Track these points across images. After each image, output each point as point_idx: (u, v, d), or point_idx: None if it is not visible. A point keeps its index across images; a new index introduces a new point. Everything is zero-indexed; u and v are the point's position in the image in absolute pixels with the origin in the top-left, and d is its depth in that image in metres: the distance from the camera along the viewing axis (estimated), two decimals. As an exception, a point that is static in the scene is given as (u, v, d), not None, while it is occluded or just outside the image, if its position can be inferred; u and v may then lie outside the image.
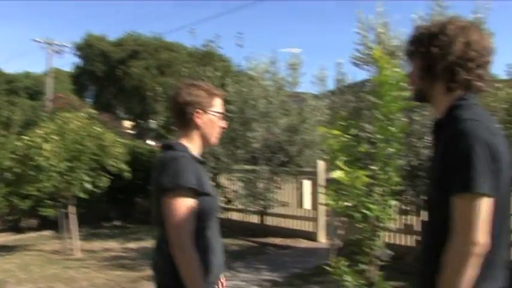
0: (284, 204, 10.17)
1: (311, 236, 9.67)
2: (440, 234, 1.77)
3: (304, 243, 9.42)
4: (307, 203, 9.19)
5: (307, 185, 9.13)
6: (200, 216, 2.23)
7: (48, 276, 7.17)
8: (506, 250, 1.82)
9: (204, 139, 2.41)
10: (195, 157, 2.35)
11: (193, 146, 2.39)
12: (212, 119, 2.40)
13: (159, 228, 2.26)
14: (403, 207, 7.35)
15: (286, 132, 9.55)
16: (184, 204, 2.16)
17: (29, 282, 6.87)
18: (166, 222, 2.17)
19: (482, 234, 1.61)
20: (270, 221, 10.45)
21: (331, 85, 7.56)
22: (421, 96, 1.99)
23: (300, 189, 9.34)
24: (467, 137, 1.66)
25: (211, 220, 2.33)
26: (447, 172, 1.70)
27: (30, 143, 7.86)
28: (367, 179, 3.47)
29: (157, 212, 2.24)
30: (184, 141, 2.38)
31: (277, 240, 9.59)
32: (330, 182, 3.82)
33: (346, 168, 3.44)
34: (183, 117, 2.38)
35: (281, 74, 9.94)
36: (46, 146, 7.75)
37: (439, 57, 1.82)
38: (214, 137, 2.44)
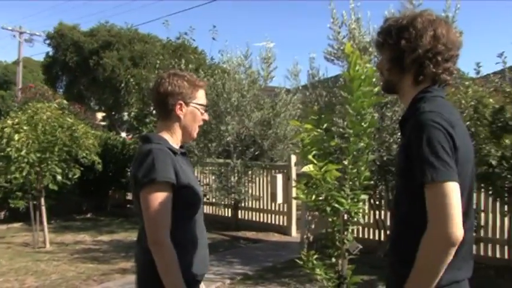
0: (256, 198, 10.22)
1: (283, 230, 9.74)
2: (407, 225, 1.80)
3: (276, 237, 9.48)
4: (280, 197, 9.23)
5: (279, 179, 9.17)
6: (181, 210, 2.18)
7: (17, 269, 7.08)
8: (470, 241, 1.84)
9: (185, 131, 2.35)
10: (174, 149, 2.26)
11: (173, 138, 2.32)
12: (194, 112, 2.33)
13: (140, 220, 2.20)
14: (375, 202, 7.46)
15: (259, 126, 9.56)
16: (160, 199, 2.09)
17: (-3, 275, 6.78)
18: (144, 217, 2.11)
19: (456, 225, 1.61)
20: (242, 214, 10.48)
21: (304, 79, 7.60)
22: (390, 88, 2.02)
23: (272, 183, 9.37)
24: (426, 127, 1.67)
25: (194, 213, 2.28)
26: (411, 164, 1.71)
27: (-1, 133, 7.73)
28: (337, 173, 3.49)
29: (136, 205, 2.20)
30: (164, 133, 2.31)
31: (250, 234, 9.63)
32: (301, 175, 3.84)
33: (316, 162, 3.46)
34: (164, 108, 2.31)
35: (254, 67, 9.95)
36: (16, 136, 7.63)
37: (407, 50, 1.84)
38: (195, 129, 2.37)
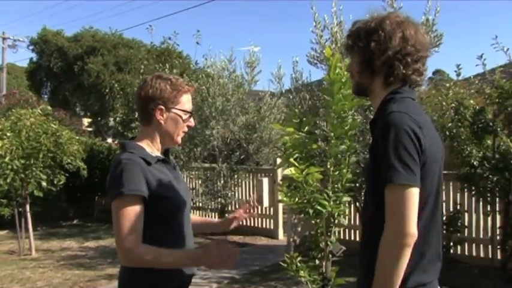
0: (242, 202, 10.22)
1: (270, 233, 9.75)
2: (373, 229, 1.80)
3: (263, 241, 9.49)
4: (266, 201, 9.25)
5: (265, 182, 9.19)
6: (157, 220, 2.08)
7: (2, 277, 7.02)
8: (437, 242, 1.86)
9: (166, 137, 2.23)
10: (148, 158, 2.12)
11: (152, 144, 2.22)
12: (175, 117, 2.20)
13: None
14: (360, 204, 7.50)
15: (244, 130, 9.59)
16: (127, 212, 1.99)
17: (-18, 283, 6.73)
18: (113, 231, 2.03)
19: (409, 224, 1.63)
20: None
21: (288, 83, 7.65)
22: (361, 90, 2.03)
23: (258, 186, 9.39)
24: (392, 128, 1.68)
25: (172, 222, 2.17)
26: (377, 165, 1.73)
27: (-18, 140, 7.67)
28: (319, 176, 3.53)
29: None
30: (143, 140, 2.21)
31: (237, 238, 9.62)
32: (285, 178, 3.87)
33: (298, 165, 3.49)
34: (145, 113, 2.19)
35: (239, 71, 9.98)
36: (-1, 143, 7.59)
37: (377, 52, 1.84)
38: (177, 135, 2.24)
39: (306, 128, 3.75)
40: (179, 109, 2.21)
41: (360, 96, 2.37)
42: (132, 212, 2.00)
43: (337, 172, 3.79)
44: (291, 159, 3.57)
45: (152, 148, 2.22)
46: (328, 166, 3.78)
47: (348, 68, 2.06)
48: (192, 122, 2.29)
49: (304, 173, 3.52)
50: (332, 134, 3.72)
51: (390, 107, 1.80)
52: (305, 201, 3.70)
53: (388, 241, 1.66)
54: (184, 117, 2.23)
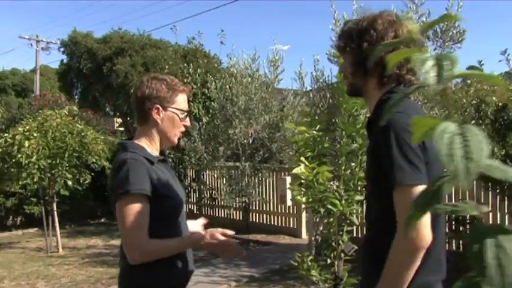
0: (266, 201, 10.24)
1: (293, 232, 9.74)
2: (378, 231, 1.80)
3: (286, 240, 9.48)
4: (289, 200, 9.23)
5: (288, 181, 9.18)
6: (157, 220, 2.11)
7: (29, 273, 7.20)
8: (442, 241, 1.84)
9: (163, 137, 2.26)
10: (151, 157, 2.18)
11: (151, 144, 2.25)
12: (172, 117, 2.23)
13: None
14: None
15: (267, 128, 9.60)
16: (135, 210, 2.04)
17: (9, 279, 6.89)
18: (120, 229, 2.09)
19: (424, 226, 1.58)
20: (253, 217, 10.50)
21: (310, 82, 7.61)
22: (355, 91, 2.00)
23: (281, 185, 9.39)
24: (394, 129, 1.65)
25: (171, 222, 2.21)
26: (379, 167, 1.70)
27: (10, 140, 7.87)
28: (329, 174, 3.52)
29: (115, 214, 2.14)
30: (142, 139, 2.24)
31: (260, 237, 9.64)
32: (297, 177, 3.87)
33: (308, 163, 3.49)
34: (141, 112, 2.23)
35: (262, 71, 9.98)
36: (26, 143, 7.77)
37: (369, 53, 1.79)
38: (174, 135, 2.27)
39: (318, 126, 3.74)
40: (175, 108, 2.24)
41: (355, 97, 2.34)
42: (139, 210, 2.05)
43: (348, 171, 3.77)
44: (302, 158, 3.57)
45: (151, 148, 2.25)
46: (340, 164, 3.76)
47: (341, 68, 2.03)
48: (188, 122, 2.31)
49: (314, 171, 3.51)
50: (343, 132, 3.70)
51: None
52: (317, 200, 3.70)
53: (402, 244, 1.62)
54: (181, 116, 2.26)
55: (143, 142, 2.24)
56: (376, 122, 1.77)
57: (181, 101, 2.26)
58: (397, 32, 1.81)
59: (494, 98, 5.81)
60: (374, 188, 1.83)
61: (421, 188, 1.60)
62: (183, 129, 2.31)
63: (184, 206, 2.36)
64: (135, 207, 2.04)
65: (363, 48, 1.82)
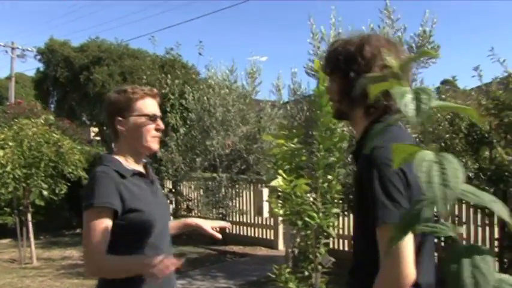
0: (243, 213, 10.25)
1: (270, 244, 9.76)
2: (363, 262, 1.78)
3: (263, 251, 9.50)
4: (266, 211, 9.26)
5: (265, 193, 9.21)
6: (130, 234, 2.12)
7: (2, 285, 7.08)
8: (431, 270, 1.79)
9: (136, 145, 2.24)
10: (123, 171, 2.16)
11: (126, 157, 2.23)
12: (134, 123, 2.20)
13: None
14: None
15: (244, 140, 9.63)
16: (95, 224, 2.04)
17: (-19, 292, 6.79)
18: (82, 241, 2.10)
19: (407, 265, 1.54)
20: (230, 229, 10.45)
21: (287, 94, 7.68)
22: (341, 116, 1.97)
23: (258, 197, 9.42)
24: (377, 165, 1.61)
25: (146, 237, 2.16)
26: (364, 199, 1.66)
27: (-16, 149, 7.76)
28: (306, 187, 3.56)
29: None
30: (118, 153, 2.24)
31: (237, 248, 9.64)
32: (274, 190, 3.90)
33: (286, 176, 3.53)
34: (111, 128, 2.25)
35: (240, 82, 10.03)
36: (1, 152, 7.67)
37: (356, 84, 1.70)
38: (146, 140, 2.23)
39: (296, 139, 3.79)
40: (136, 115, 2.21)
41: (341, 121, 2.29)
42: (101, 224, 2.04)
43: (326, 184, 3.81)
44: (280, 171, 3.60)
45: (128, 161, 2.24)
46: (317, 177, 3.80)
47: (328, 91, 1.98)
48: (159, 124, 2.27)
49: (292, 184, 3.55)
50: (321, 146, 3.75)
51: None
52: (294, 212, 3.73)
53: (384, 282, 1.58)
54: (144, 120, 2.22)
55: (120, 156, 2.24)
56: (361, 151, 1.73)
57: (141, 106, 2.23)
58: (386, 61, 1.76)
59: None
60: (360, 219, 1.81)
61: None
62: (155, 133, 2.26)
63: (166, 220, 2.34)
64: (97, 222, 2.04)
65: (349, 78, 1.75)
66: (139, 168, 2.28)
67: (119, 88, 2.31)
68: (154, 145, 2.27)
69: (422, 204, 0.57)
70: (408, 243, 1.56)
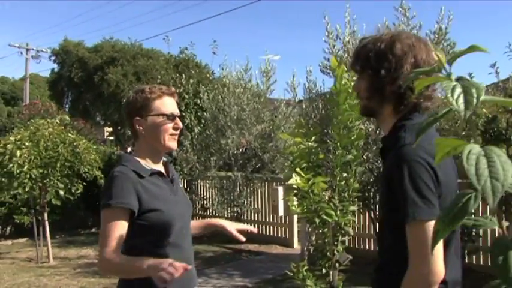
0: (258, 211, 10.26)
1: (285, 242, 9.76)
2: (390, 260, 1.78)
3: (278, 249, 9.49)
4: (281, 210, 9.26)
5: (280, 191, 9.21)
6: (150, 235, 2.14)
7: (19, 284, 7.14)
8: (457, 270, 1.80)
9: (155, 145, 2.25)
10: (142, 171, 2.18)
11: (146, 156, 2.26)
12: (153, 123, 2.22)
13: None
14: (375, 214, 7.49)
15: (259, 139, 9.64)
16: (111, 224, 2.07)
17: (-1, 290, 6.86)
18: (99, 241, 2.13)
19: (437, 262, 1.55)
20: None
21: (302, 92, 7.67)
22: (369, 114, 1.97)
23: (273, 195, 9.42)
24: (407, 162, 1.61)
25: (166, 237, 2.18)
26: (394, 197, 1.66)
27: (1, 149, 7.84)
28: (324, 185, 3.55)
29: None
30: (138, 152, 2.27)
31: (252, 247, 9.64)
32: (291, 188, 3.90)
33: (304, 174, 3.52)
34: (131, 129, 2.29)
35: (255, 81, 10.04)
36: (18, 152, 7.74)
37: (387, 81, 1.74)
38: (164, 140, 2.24)
39: (313, 137, 3.79)
40: (154, 114, 2.23)
41: (368, 117, 2.27)
42: (116, 224, 2.07)
43: (343, 182, 3.80)
44: (297, 169, 3.60)
45: (147, 160, 2.26)
46: (335, 175, 3.80)
47: (355, 88, 1.95)
48: (177, 123, 2.28)
49: (309, 182, 3.54)
50: (338, 144, 3.74)
51: (402, 136, 1.72)
52: (312, 210, 3.73)
53: (414, 280, 1.59)
54: (162, 119, 2.24)
55: (139, 155, 2.26)
56: (391, 148, 1.75)
57: (159, 105, 2.24)
58: (417, 59, 1.74)
59: (484, 110, 5.88)
60: (387, 216, 1.81)
61: (433, 223, 1.56)
62: (173, 131, 2.27)
63: (187, 219, 2.35)
64: (113, 222, 2.07)
65: (381, 75, 1.75)
66: (159, 167, 2.30)
67: (137, 88, 2.34)
68: (173, 144, 2.29)
69: (468, 197, 0.57)
70: (439, 242, 1.54)
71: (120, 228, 2.07)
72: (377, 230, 1.98)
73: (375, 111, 1.88)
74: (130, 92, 2.36)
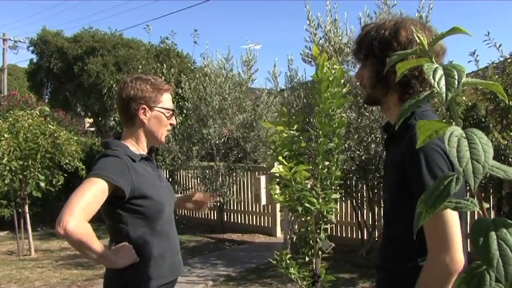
0: (240, 200, 10.28)
1: (268, 231, 9.80)
2: (398, 245, 1.76)
3: (261, 239, 9.53)
4: (263, 199, 9.28)
5: (262, 180, 9.22)
6: (141, 219, 2.13)
7: (1, 277, 7.06)
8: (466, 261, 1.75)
9: (150, 137, 2.26)
10: (133, 155, 2.16)
11: (138, 144, 2.26)
12: (158, 116, 2.23)
13: (107, 219, 2.22)
14: (356, 201, 7.55)
15: (241, 128, 9.63)
16: (90, 190, 1.98)
17: (-20, 284, 6.79)
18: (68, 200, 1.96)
19: (458, 250, 1.54)
20: (228, 217, 10.51)
21: (284, 81, 7.68)
22: (373, 102, 1.94)
23: (256, 184, 9.43)
24: (424, 150, 1.58)
25: (156, 220, 2.17)
26: (407, 185, 1.64)
27: (-21, 142, 7.73)
28: (307, 173, 3.56)
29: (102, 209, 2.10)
30: (127, 140, 2.25)
31: (235, 236, 9.67)
32: (273, 177, 3.91)
33: (286, 163, 3.53)
34: (127, 114, 2.22)
35: (236, 70, 10.02)
36: (-3, 144, 7.64)
37: (392, 70, 1.70)
38: (162, 134, 2.27)
39: (295, 126, 3.79)
40: (161, 107, 2.24)
41: (372, 106, 2.24)
42: (96, 192, 1.99)
43: (325, 170, 3.82)
44: (280, 158, 3.60)
45: (137, 147, 2.26)
46: (317, 163, 3.81)
47: (358, 76, 1.91)
48: (174, 120, 2.32)
49: (292, 171, 3.55)
50: (320, 132, 3.75)
51: (414, 124, 1.68)
52: (294, 198, 3.74)
53: (434, 269, 1.56)
54: (167, 114, 2.27)
55: (128, 142, 2.25)
56: (401, 136, 1.71)
57: (166, 100, 2.27)
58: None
59: (464, 98, 5.95)
60: (397, 203, 1.78)
61: (451, 211, 1.53)
62: (169, 127, 2.31)
63: (172, 205, 2.35)
64: (93, 188, 1.98)
65: (385, 63, 1.71)
66: (145, 153, 2.31)
67: (139, 76, 2.31)
68: (164, 139, 2.33)
69: (450, 179, 0.57)
70: (458, 229, 1.54)
71: (98, 198, 2.00)
72: (382, 221, 1.95)
73: (380, 100, 1.86)
74: (129, 79, 2.28)
